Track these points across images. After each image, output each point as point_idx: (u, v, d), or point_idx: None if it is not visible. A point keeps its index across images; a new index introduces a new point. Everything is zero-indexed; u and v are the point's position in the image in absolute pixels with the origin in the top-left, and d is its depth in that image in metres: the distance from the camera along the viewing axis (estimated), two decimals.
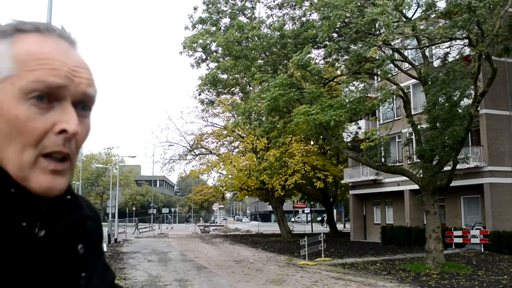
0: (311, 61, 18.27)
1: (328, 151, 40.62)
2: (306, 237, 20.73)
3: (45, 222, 0.78)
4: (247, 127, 29.41)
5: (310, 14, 19.70)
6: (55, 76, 0.78)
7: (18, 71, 0.77)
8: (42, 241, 0.77)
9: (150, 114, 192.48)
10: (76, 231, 0.86)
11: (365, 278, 15.38)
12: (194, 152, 41.36)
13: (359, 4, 17.06)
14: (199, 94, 25.41)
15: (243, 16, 21.69)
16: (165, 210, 69.71)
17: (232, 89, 24.52)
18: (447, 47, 18.32)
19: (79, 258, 0.85)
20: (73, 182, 59.02)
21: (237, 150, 41.40)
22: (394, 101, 25.90)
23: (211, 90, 23.39)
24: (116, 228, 33.69)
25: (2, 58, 0.77)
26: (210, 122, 41.38)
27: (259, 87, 21.08)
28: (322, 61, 22.57)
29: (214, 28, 21.32)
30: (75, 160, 0.83)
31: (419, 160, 19.08)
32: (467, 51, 18.03)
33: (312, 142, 37.65)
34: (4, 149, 0.76)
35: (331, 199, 46.08)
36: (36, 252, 0.76)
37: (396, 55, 19.41)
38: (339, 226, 55.90)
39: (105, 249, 25.00)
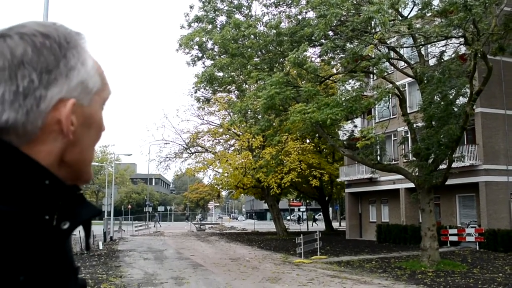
0: (307, 59, 18.27)
1: (324, 150, 40.64)
2: (302, 235, 20.75)
3: (64, 215, 0.79)
4: (243, 125, 29.40)
5: (306, 12, 19.71)
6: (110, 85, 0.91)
7: (101, 83, 0.87)
8: (65, 233, 0.78)
9: (146, 112, 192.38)
10: (88, 225, 0.89)
11: (360, 276, 15.42)
12: (190, 150, 41.29)
13: (355, 2, 17.06)
14: (195, 92, 25.39)
15: (239, 14, 21.66)
16: (160, 208, 69.26)
17: (228, 87, 24.47)
18: (443, 46, 18.35)
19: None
20: None
21: (233, 148, 41.37)
22: (390, 100, 25.98)
23: (207, 88, 23.33)
24: (112, 226, 33.64)
25: (95, 74, 0.85)
26: (206, 120, 41.36)
27: (255, 85, 21.05)
28: (318, 59, 22.57)
29: (210, 26, 21.28)
30: None
31: (414, 159, 19.11)
32: (462, 49, 18.07)
33: (308, 141, 37.70)
34: (88, 151, 0.85)
35: (327, 197, 46.13)
36: (60, 243, 0.78)
37: (392, 54, 19.43)
38: (335, 224, 55.95)
39: (100, 247, 25.01)
